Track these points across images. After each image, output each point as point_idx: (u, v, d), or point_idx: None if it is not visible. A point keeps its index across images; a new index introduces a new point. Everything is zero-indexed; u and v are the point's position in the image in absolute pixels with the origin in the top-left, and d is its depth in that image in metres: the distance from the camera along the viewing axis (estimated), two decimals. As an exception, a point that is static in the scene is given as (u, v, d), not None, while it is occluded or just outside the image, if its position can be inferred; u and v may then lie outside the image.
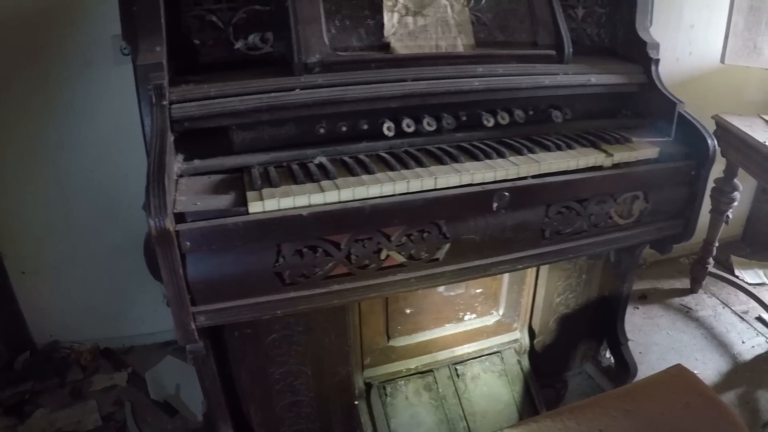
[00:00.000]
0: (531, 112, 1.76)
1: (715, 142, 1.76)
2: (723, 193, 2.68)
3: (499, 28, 1.76)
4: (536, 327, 2.14)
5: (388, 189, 1.38)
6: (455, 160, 1.52)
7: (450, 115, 1.65)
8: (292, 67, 1.51)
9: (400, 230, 1.42)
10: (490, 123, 1.67)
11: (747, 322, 2.83)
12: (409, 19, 1.65)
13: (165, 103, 1.37)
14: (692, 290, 3.04)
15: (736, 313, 2.89)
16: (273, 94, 1.46)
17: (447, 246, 1.48)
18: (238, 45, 1.60)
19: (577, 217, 1.63)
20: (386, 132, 1.58)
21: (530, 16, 1.80)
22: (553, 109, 1.77)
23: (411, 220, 1.42)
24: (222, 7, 1.57)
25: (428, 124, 1.61)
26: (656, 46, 1.92)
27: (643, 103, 1.95)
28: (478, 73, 1.65)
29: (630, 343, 2.55)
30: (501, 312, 2.03)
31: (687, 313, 2.88)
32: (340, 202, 1.34)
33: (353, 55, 1.58)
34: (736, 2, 2.60)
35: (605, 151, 1.65)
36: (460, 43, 1.70)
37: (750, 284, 3.06)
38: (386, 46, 1.62)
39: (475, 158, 1.55)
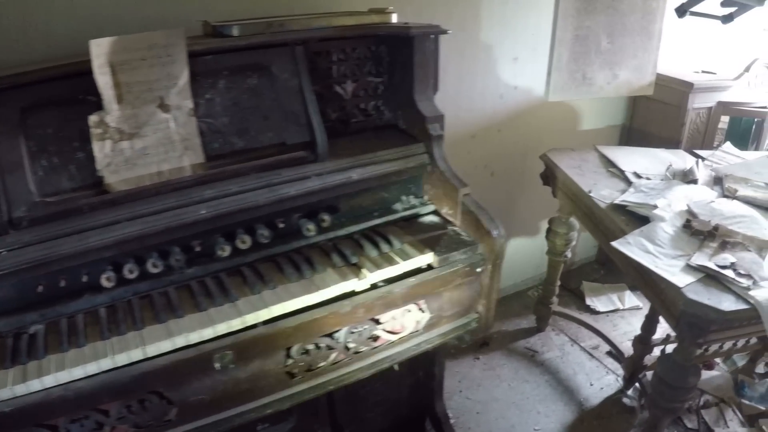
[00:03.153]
0: (282, 225, 1.57)
1: (501, 233, 1.63)
2: (557, 234, 2.53)
3: (237, 133, 1.56)
4: (343, 421, 1.99)
5: (92, 368, 1.24)
6: (174, 312, 1.35)
7: (180, 249, 1.46)
8: (-2, 224, 1.30)
9: (117, 404, 1.26)
10: (226, 252, 1.48)
11: (597, 359, 2.71)
12: (125, 144, 1.43)
13: None
14: (539, 329, 2.88)
15: (585, 350, 2.76)
16: (-25, 262, 1.26)
17: (174, 410, 1.31)
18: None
19: (331, 351, 1.47)
20: (105, 284, 1.39)
21: (277, 110, 1.60)
22: (307, 219, 1.59)
23: (125, 395, 1.26)
24: None
25: (154, 266, 1.42)
26: (439, 119, 1.76)
27: (429, 184, 1.79)
28: (205, 197, 1.46)
29: (467, 402, 2.46)
30: (296, 418, 1.87)
31: (532, 357, 2.72)
32: (44, 390, 1.19)
33: (64, 200, 1.38)
34: (558, 34, 2.43)
35: (360, 268, 1.49)
36: (187, 162, 1.48)
37: (602, 312, 2.98)
38: (101, 182, 1.41)
39: (198, 306, 1.37)
